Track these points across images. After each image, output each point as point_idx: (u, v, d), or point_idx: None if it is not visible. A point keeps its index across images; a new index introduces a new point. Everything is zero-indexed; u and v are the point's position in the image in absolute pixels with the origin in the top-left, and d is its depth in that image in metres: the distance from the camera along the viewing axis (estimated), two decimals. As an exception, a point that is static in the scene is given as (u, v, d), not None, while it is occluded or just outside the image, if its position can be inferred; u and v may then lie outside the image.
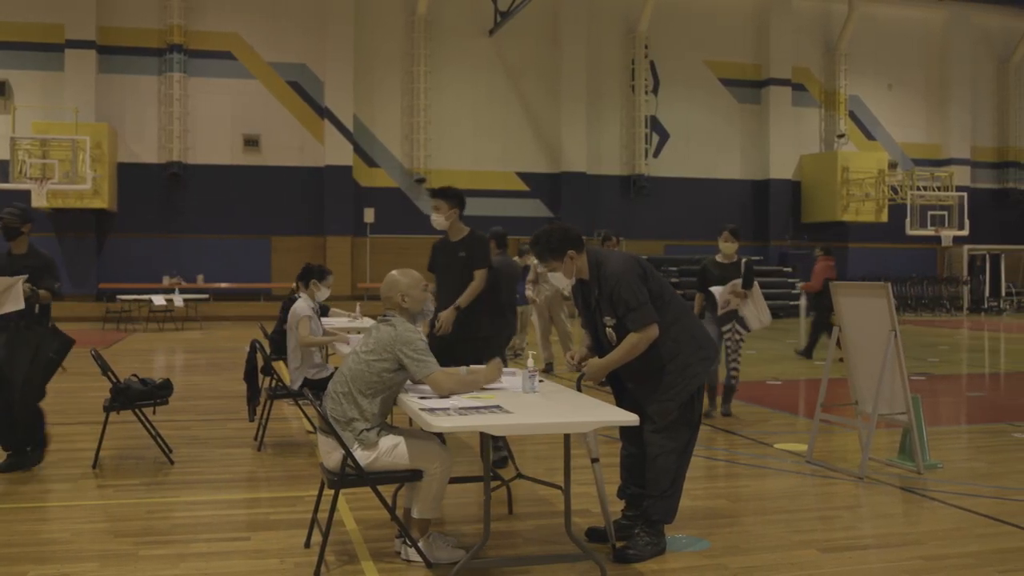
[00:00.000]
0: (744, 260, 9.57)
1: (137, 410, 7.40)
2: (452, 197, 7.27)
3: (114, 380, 7.34)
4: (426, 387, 5.12)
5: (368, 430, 4.89)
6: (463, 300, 7.13)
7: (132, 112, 26.02)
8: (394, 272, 5.29)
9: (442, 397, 4.96)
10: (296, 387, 8.07)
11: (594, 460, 5.16)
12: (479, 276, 7.18)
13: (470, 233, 7.33)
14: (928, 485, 6.80)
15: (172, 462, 7.36)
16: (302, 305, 8.24)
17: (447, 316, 7.13)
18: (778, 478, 7.15)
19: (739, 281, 9.38)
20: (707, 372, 5.36)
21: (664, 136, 29.95)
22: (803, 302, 25.18)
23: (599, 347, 5.37)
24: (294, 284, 10.78)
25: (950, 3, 32.42)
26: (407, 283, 5.19)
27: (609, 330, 5.19)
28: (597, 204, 28.76)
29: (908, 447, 7.32)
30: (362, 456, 4.83)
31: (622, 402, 5.37)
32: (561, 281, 5.29)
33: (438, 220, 7.27)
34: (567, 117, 28.65)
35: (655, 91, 29.88)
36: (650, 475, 5.16)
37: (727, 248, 9.51)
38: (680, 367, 5.14)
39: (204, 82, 26.43)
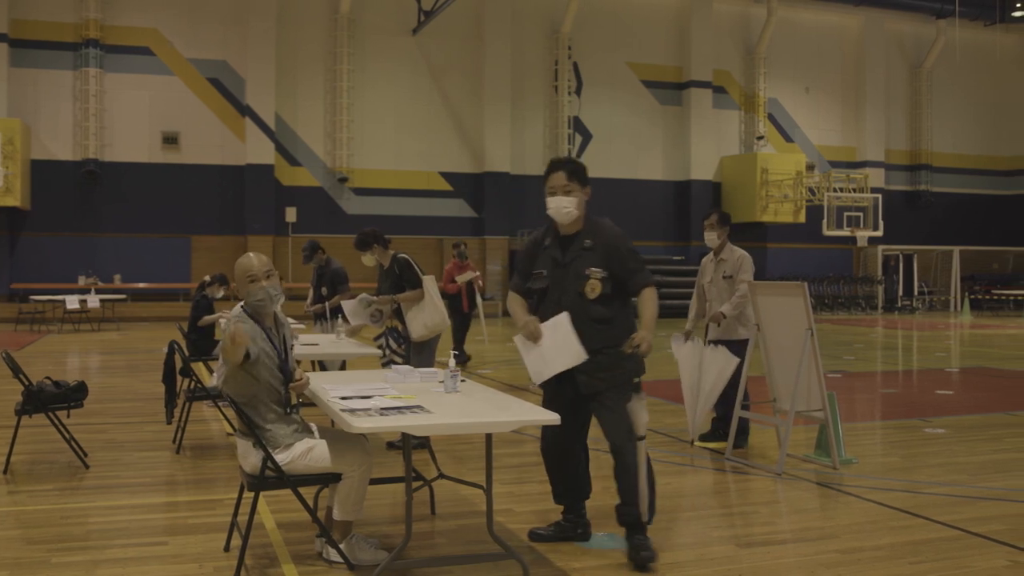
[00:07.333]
0: None
1: (50, 413, 7.22)
2: None
3: (26, 382, 7.15)
4: (344, 387, 5.09)
5: (269, 422, 4.84)
6: None
7: (46, 108, 25.38)
8: None
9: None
10: (219, 385, 7.95)
11: (640, 438, 5.08)
12: None
13: None
14: (843, 480, 6.94)
15: (87, 466, 7.19)
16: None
17: None
18: (697, 475, 7.24)
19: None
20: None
21: (587, 137, 30.15)
22: None
23: (540, 305, 5.24)
24: (206, 278, 10.69)
25: (866, 10, 33.19)
26: (235, 274, 5.15)
27: (594, 281, 5.07)
28: (520, 204, 28.80)
29: (824, 443, 7.46)
30: (277, 458, 4.77)
31: (558, 404, 5.09)
32: (568, 207, 5.09)
33: None
34: (490, 117, 28.68)
35: (578, 92, 30.07)
36: (628, 484, 5.09)
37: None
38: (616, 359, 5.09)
39: (121, 78, 25.88)
